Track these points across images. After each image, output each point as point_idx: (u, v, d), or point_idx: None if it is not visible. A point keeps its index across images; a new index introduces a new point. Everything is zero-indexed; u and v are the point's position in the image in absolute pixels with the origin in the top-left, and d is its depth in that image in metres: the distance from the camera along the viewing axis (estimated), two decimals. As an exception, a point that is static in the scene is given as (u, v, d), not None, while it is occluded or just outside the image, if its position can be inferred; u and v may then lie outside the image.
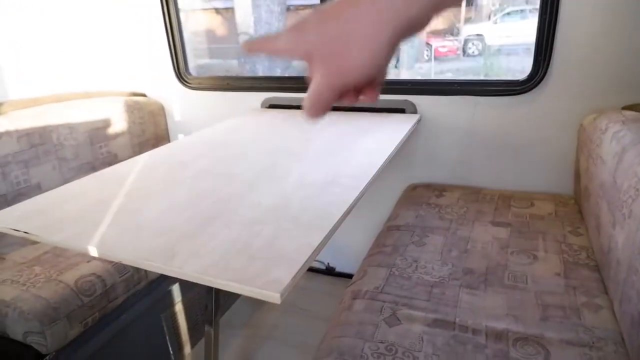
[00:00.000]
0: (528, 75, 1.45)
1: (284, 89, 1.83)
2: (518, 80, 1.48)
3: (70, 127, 1.68)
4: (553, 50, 1.39)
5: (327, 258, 2.03)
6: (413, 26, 0.30)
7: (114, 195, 1.02)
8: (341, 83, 0.33)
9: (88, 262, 1.25)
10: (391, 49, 0.31)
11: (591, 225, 1.19)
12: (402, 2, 0.29)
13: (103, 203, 0.98)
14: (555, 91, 1.44)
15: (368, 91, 0.36)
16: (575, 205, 1.42)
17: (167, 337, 1.45)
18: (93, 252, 0.79)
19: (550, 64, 1.40)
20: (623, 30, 1.30)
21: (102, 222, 0.89)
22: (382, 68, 0.33)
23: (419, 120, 1.60)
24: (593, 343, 0.86)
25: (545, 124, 1.49)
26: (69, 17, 2.00)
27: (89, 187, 1.09)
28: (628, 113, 1.23)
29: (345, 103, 0.37)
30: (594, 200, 1.16)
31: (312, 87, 0.34)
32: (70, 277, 1.19)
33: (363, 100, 0.37)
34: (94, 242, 0.81)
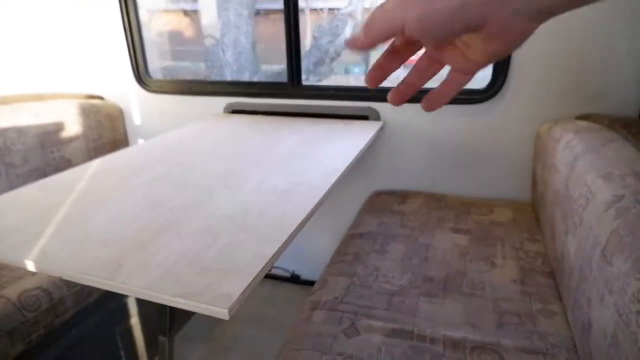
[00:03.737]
0: (487, 85, 1.48)
1: (247, 94, 1.80)
2: (477, 89, 1.50)
3: (19, 131, 1.58)
4: (511, 60, 1.42)
5: (292, 266, 2.00)
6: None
7: (60, 203, 0.97)
8: (414, 19, 0.27)
9: (33, 275, 1.18)
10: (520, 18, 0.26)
11: (547, 232, 1.21)
12: None
13: (48, 212, 0.92)
14: (513, 100, 1.47)
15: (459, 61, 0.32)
16: (532, 212, 1.45)
17: (122, 353, 1.38)
18: (30, 266, 0.74)
19: (508, 74, 1.44)
20: (579, 41, 1.35)
21: (44, 233, 0.84)
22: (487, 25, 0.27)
23: (382, 127, 1.61)
24: (547, 350, 0.87)
25: (504, 132, 1.52)
26: (21, 14, 1.90)
27: (35, 195, 1.03)
28: (581, 123, 1.27)
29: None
30: (549, 208, 1.19)
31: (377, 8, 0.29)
32: (12, 291, 1.11)
33: (453, 76, 0.33)
34: (33, 255, 0.76)
